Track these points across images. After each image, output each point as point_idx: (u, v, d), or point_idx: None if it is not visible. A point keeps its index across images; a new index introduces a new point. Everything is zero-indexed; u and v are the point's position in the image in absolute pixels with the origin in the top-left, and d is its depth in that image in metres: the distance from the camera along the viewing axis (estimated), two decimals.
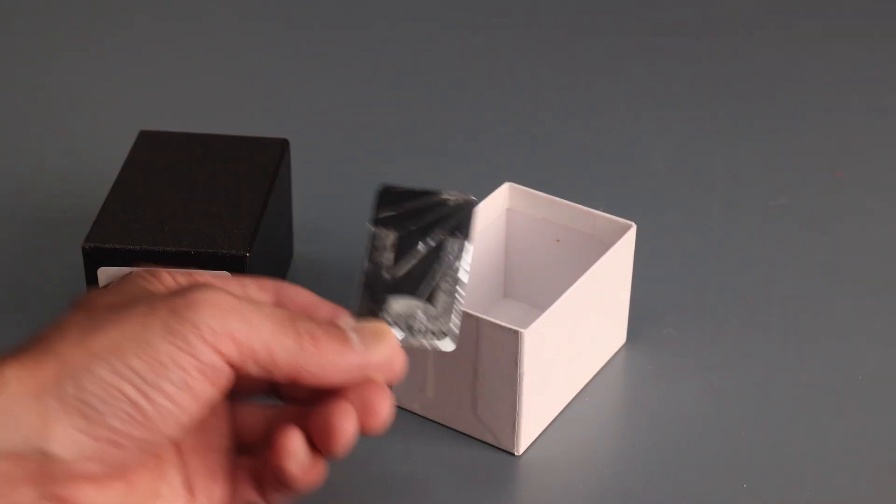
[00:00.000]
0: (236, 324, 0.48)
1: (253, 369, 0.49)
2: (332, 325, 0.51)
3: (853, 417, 0.68)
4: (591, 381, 0.70)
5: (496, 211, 0.72)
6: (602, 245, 0.69)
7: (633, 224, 0.69)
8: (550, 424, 0.67)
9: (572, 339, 0.66)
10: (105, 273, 0.66)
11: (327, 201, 0.83)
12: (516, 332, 0.61)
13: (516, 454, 0.65)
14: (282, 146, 0.74)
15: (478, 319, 0.62)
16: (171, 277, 0.53)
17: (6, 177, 0.86)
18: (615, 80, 0.98)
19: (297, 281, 0.77)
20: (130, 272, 0.53)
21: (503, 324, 0.62)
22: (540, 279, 0.73)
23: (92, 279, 0.67)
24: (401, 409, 0.67)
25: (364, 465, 0.64)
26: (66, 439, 0.46)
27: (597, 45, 1.02)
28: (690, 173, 0.87)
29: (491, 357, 0.63)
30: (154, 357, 0.47)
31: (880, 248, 0.80)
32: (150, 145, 0.73)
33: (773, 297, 0.76)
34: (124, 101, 0.94)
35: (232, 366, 0.48)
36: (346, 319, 0.53)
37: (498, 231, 0.72)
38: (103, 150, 0.85)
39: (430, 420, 0.67)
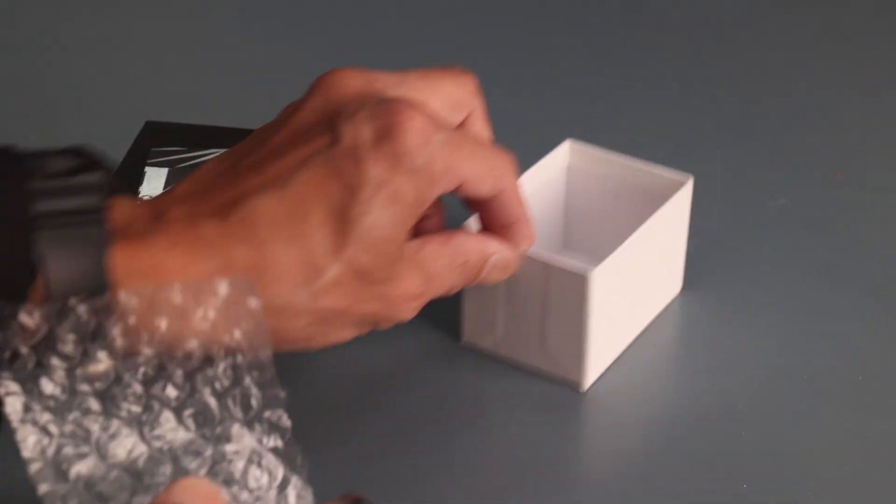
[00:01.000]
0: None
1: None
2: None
3: (853, 417, 0.68)
4: (649, 324, 0.73)
5: (556, 168, 0.75)
6: (657, 200, 0.72)
7: (691, 176, 0.73)
8: (613, 363, 0.70)
9: (633, 284, 0.69)
10: None
11: None
12: (583, 276, 0.65)
13: (582, 390, 0.68)
14: None
15: (546, 264, 0.66)
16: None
17: None
18: (614, 80, 0.98)
19: None
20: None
21: (571, 268, 0.65)
22: (599, 233, 0.75)
23: None
24: (472, 348, 0.71)
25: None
26: None
27: (596, 45, 1.02)
28: (690, 173, 0.87)
29: (559, 298, 0.66)
30: None
31: (880, 248, 0.80)
32: (156, 136, 0.74)
33: (773, 296, 0.76)
34: (130, 91, 0.94)
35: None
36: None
37: (558, 187, 0.75)
38: (109, 139, 0.85)
39: (501, 359, 0.70)
